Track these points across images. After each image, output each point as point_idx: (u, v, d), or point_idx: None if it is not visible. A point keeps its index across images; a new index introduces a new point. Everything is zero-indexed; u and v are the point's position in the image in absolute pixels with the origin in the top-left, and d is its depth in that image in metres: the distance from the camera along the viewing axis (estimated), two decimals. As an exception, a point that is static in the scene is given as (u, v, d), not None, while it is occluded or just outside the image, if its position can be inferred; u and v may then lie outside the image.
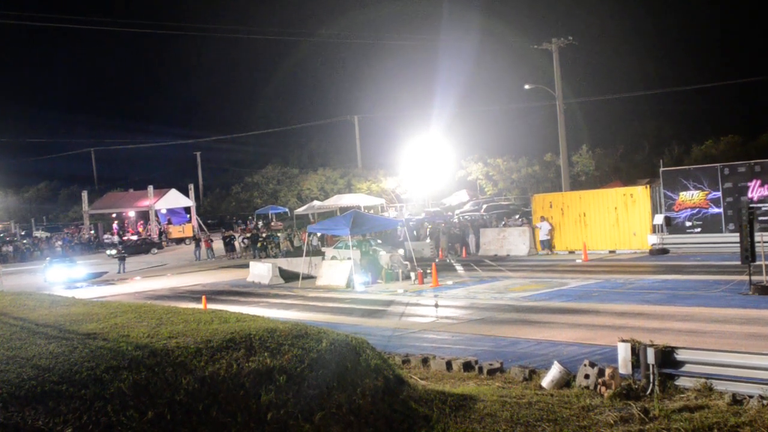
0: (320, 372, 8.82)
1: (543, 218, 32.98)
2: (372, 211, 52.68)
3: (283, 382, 8.36)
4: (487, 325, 17.09)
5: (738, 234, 26.86)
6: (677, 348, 10.60)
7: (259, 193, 76.67)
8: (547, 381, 11.13)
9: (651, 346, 10.49)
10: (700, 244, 28.48)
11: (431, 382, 11.82)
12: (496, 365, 12.46)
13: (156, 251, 53.71)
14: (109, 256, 51.48)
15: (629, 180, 49.41)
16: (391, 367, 10.33)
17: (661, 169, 31.36)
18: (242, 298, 26.24)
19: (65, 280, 34.74)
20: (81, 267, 37.07)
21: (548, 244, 32.68)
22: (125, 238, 61.27)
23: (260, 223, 64.95)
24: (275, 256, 38.42)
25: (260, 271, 30.85)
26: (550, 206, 33.33)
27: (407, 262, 28.24)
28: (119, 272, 39.01)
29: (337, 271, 27.30)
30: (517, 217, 42.71)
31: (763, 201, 26.94)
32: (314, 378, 8.68)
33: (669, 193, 29.95)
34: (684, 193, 29.47)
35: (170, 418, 7.39)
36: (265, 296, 26.39)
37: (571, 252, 31.79)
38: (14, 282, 36.64)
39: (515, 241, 33.84)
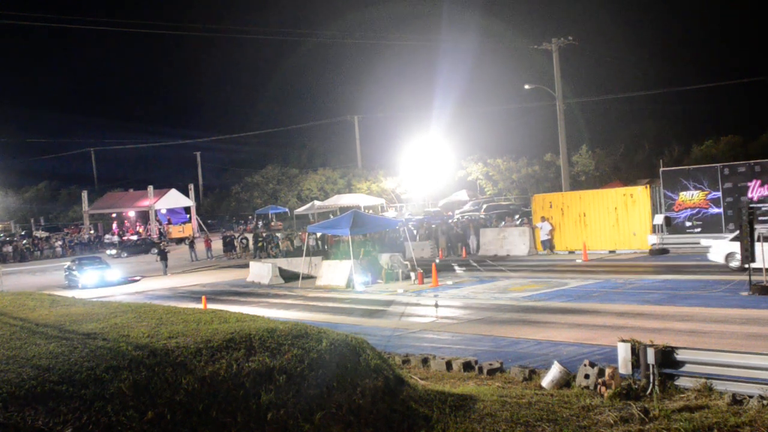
0: (320, 372, 8.82)
1: (543, 218, 32.98)
2: (372, 211, 52.71)
3: (283, 382, 8.36)
4: (487, 325, 17.08)
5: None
6: (677, 348, 10.60)
7: (259, 193, 76.66)
8: (547, 381, 11.13)
9: (651, 346, 10.49)
10: (700, 244, 28.44)
11: (431, 382, 11.82)
12: (496, 365, 12.46)
13: (156, 251, 53.67)
14: (109, 255, 51.54)
15: (629, 180, 49.42)
16: (391, 367, 10.32)
17: (661, 169, 31.36)
18: (242, 298, 26.24)
19: (97, 282, 32.75)
20: (115, 270, 35.06)
21: (549, 244, 32.68)
22: (125, 238, 61.30)
23: (260, 223, 64.99)
24: (275, 256, 38.43)
25: (260, 271, 30.86)
26: (550, 206, 33.33)
27: (407, 262, 28.25)
28: (165, 273, 36.92)
29: (337, 271, 27.30)
30: (516, 217, 42.71)
31: (763, 201, 26.93)
32: (314, 378, 8.68)
33: (669, 193, 29.95)
34: (684, 193, 29.47)
35: (170, 418, 7.39)
36: (265, 296, 26.40)
37: (571, 252, 31.79)
38: (14, 282, 36.64)
39: (515, 241, 33.84)
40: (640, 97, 66.31)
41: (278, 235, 45.54)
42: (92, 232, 66.58)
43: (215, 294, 27.68)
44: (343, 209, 49.47)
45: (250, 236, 47.11)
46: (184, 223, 65.95)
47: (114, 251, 53.55)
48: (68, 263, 36.39)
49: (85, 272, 33.57)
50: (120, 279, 34.13)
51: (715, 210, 28.62)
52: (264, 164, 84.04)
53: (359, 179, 69.57)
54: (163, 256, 38.34)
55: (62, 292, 28.59)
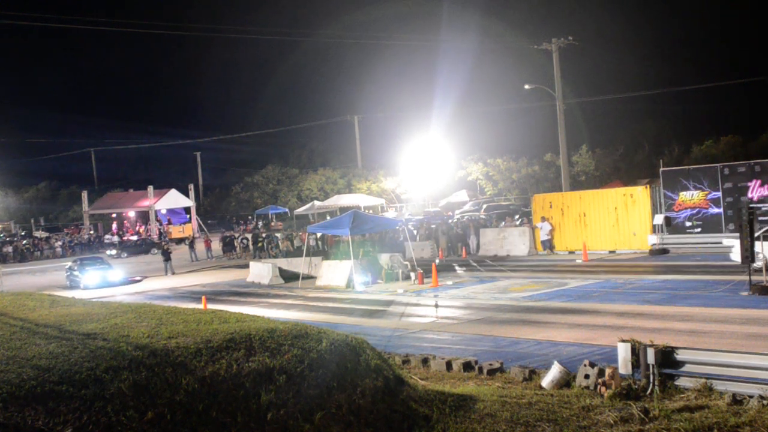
0: (320, 372, 8.81)
1: (544, 218, 32.98)
2: (372, 211, 52.72)
3: (283, 382, 8.36)
4: (487, 325, 17.08)
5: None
6: (677, 348, 10.59)
7: (259, 193, 76.68)
8: (547, 381, 11.12)
9: (651, 346, 10.49)
10: (700, 244, 28.47)
11: (431, 382, 11.82)
12: (496, 365, 12.46)
13: (156, 251, 53.63)
14: (109, 255, 51.53)
15: (629, 180, 49.42)
16: (391, 367, 10.32)
17: (661, 169, 31.35)
18: (242, 298, 26.24)
19: (99, 283, 32.45)
20: (117, 270, 34.76)
21: (549, 245, 32.69)
22: (125, 238, 61.31)
23: (260, 224, 64.99)
24: (275, 257, 38.43)
25: (260, 271, 30.86)
26: (550, 206, 33.33)
27: (407, 262, 28.25)
28: (166, 273, 36.83)
29: (337, 271, 27.29)
30: (516, 217, 42.70)
31: (763, 201, 26.92)
32: (314, 378, 8.67)
33: (669, 194, 29.94)
34: (684, 193, 29.47)
35: (170, 418, 7.39)
36: (265, 296, 26.40)
37: (571, 252, 31.78)
38: (14, 282, 36.62)
39: (515, 242, 33.84)
40: (640, 97, 66.41)
41: (278, 235, 45.57)
42: (92, 232, 66.57)
43: (215, 294, 27.68)
44: (343, 209, 49.49)
45: (249, 236, 47.13)
46: (184, 223, 65.95)
47: (114, 251, 53.54)
48: (70, 263, 36.19)
49: (87, 272, 33.41)
50: (122, 279, 33.94)
51: (715, 210, 28.61)
52: (264, 164, 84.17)
53: (359, 179, 69.58)
54: (167, 256, 38.22)
55: (64, 292, 28.59)
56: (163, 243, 46.69)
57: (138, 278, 35.97)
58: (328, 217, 47.57)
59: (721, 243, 26.21)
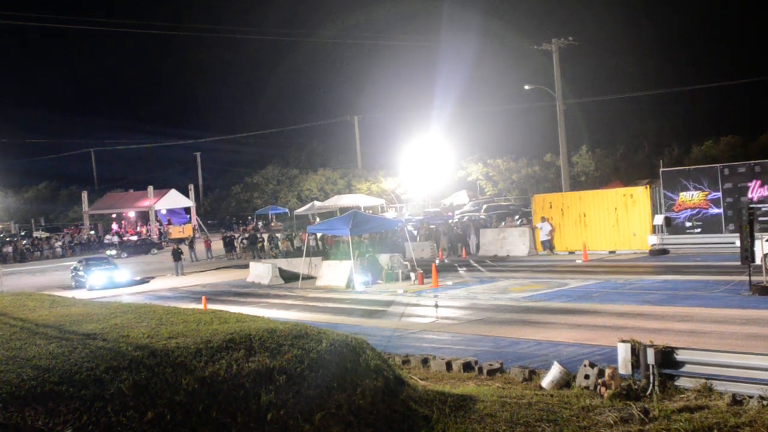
0: (320, 372, 8.81)
1: (544, 219, 32.98)
2: (372, 212, 52.72)
3: (283, 383, 8.35)
4: (487, 326, 17.08)
5: (738, 234, 27.05)
6: (677, 348, 10.59)
7: (259, 193, 76.68)
8: (547, 381, 11.12)
9: (651, 346, 10.49)
10: (700, 245, 28.46)
11: (431, 382, 11.81)
12: (496, 366, 12.45)
13: (156, 251, 53.68)
14: (109, 255, 51.48)
15: (629, 180, 49.41)
16: (391, 367, 10.32)
17: (661, 169, 31.35)
18: (242, 298, 26.24)
19: (105, 283, 32.08)
20: (123, 270, 34.42)
21: (549, 245, 32.68)
22: (125, 238, 61.29)
23: (260, 224, 64.99)
24: (275, 257, 38.41)
25: (260, 271, 30.86)
26: (550, 207, 33.32)
27: (407, 263, 28.24)
28: (177, 273, 36.68)
29: (337, 271, 27.30)
30: (516, 217, 42.69)
31: (763, 201, 26.92)
32: (314, 378, 8.67)
33: (669, 194, 29.94)
34: (684, 193, 29.47)
35: (170, 418, 7.39)
36: (265, 296, 26.40)
37: (571, 252, 31.78)
38: (14, 282, 36.61)
39: (515, 242, 33.84)
40: (640, 97, 66.37)
41: (278, 235, 45.56)
42: (92, 232, 66.54)
43: (215, 294, 27.67)
44: (343, 210, 49.50)
45: (247, 236, 47.10)
46: (184, 223, 65.93)
47: (114, 252, 53.54)
48: (75, 264, 35.88)
49: (93, 273, 33.04)
50: (128, 280, 33.65)
51: (715, 210, 28.61)
52: (264, 165, 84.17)
53: (359, 180, 69.57)
54: (177, 256, 38.00)
55: (69, 292, 28.54)
56: (168, 243, 46.64)
57: (138, 278, 35.92)
58: (318, 220, 47.58)
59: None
